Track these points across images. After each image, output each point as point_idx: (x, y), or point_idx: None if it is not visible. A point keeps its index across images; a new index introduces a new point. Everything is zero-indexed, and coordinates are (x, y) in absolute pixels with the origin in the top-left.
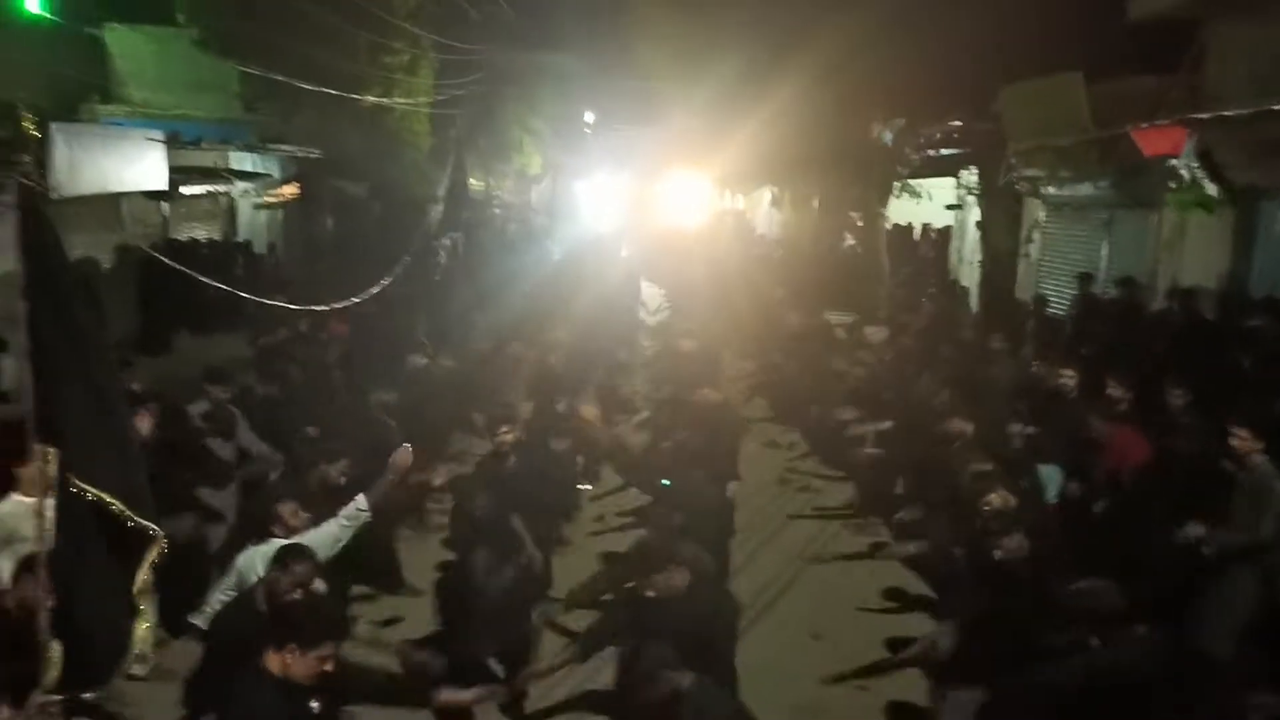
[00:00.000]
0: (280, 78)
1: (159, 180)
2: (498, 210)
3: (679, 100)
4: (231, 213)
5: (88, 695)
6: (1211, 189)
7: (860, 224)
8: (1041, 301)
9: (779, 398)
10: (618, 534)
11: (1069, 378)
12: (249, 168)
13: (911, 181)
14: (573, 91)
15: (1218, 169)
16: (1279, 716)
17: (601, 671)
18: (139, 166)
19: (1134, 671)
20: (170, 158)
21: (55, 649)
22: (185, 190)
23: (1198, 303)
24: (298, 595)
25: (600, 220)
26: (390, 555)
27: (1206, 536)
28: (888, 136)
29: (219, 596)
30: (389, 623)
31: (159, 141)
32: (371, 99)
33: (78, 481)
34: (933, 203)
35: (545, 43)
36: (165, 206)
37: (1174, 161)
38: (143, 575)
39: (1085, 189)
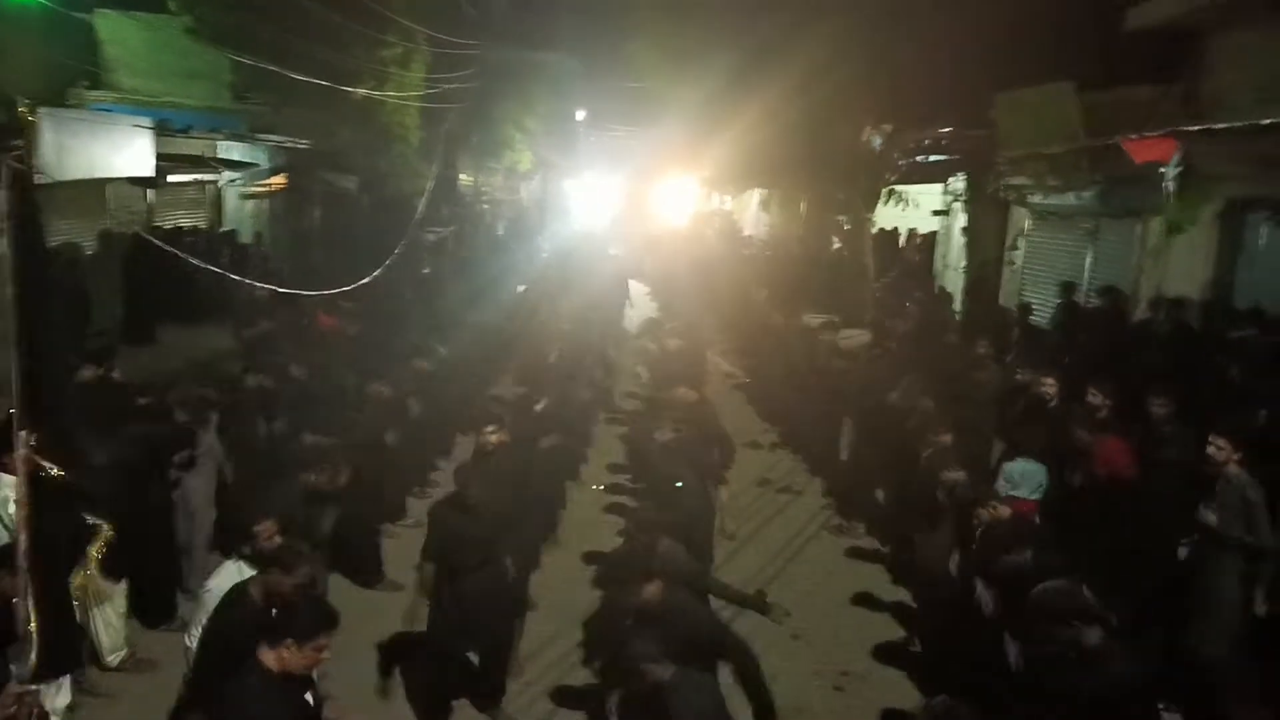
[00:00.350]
0: (271, 68)
1: (146, 167)
2: (487, 206)
3: (669, 100)
4: (218, 202)
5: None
6: (1196, 200)
7: (847, 228)
8: (1025, 309)
9: (761, 398)
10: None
11: (1049, 386)
12: (237, 157)
13: (899, 187)
14: (564, 90)
15: (1204, 181)
16: None
17: (585, 664)
18: (126, 153)
19: (1126, 677)
20: (158, 145)
21: (33, 637)
22: (172, 178)
23: (1185, 313)
24: (293, 592)
25: (590, 219)
26: (374, 549)
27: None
28: (876, 141)
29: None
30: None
31: (147, 128)
32: (363, 92)
33: (52, 467)
34: (919, 209)
35: (538, 40)
36: (150, 194)
37: (1162, 170)
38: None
39: (1071, 198)
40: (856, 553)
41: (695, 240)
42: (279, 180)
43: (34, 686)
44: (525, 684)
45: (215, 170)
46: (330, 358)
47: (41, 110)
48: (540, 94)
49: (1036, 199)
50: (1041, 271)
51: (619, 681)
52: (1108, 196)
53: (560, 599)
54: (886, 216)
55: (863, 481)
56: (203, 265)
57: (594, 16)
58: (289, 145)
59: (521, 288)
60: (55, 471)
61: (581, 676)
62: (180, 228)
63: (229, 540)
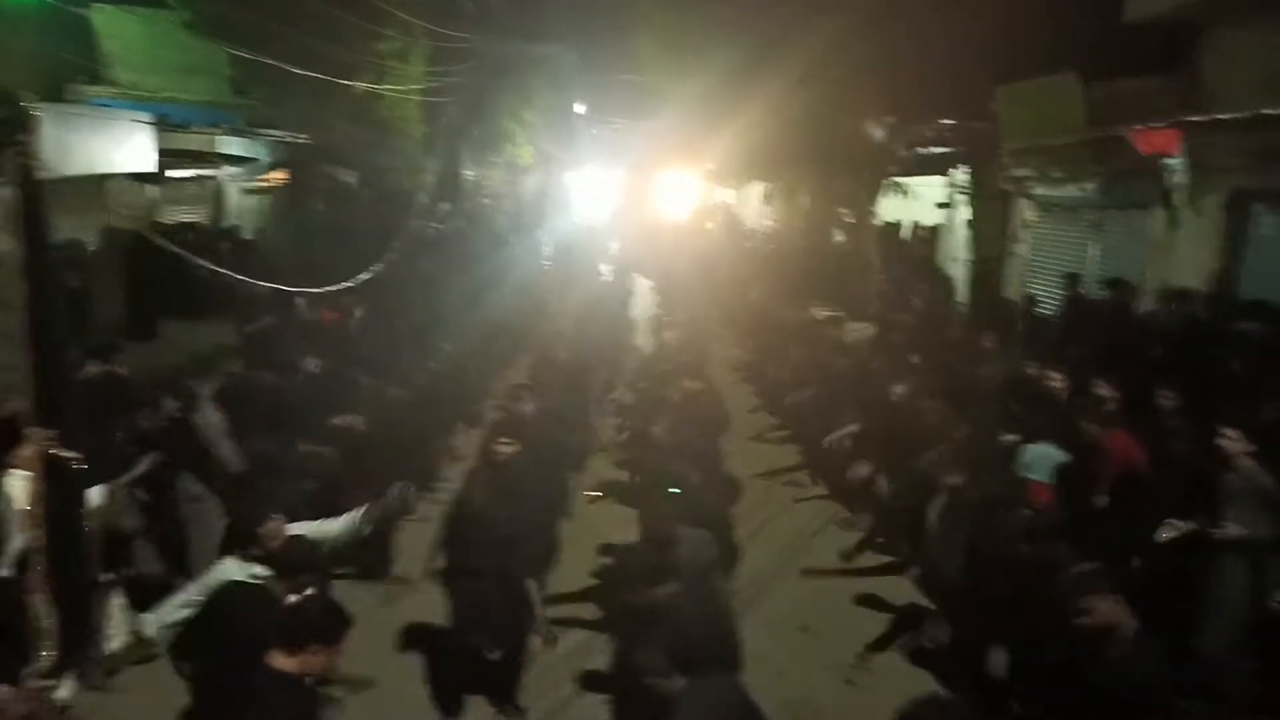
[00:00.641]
0: (270, 62)
1: (147, 163)
2: (488, 201)
3: (670, 94)
4: (219, 197)
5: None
6: (1200, 192)
7: (850, 220)
8: (1030, 301)
9: (766, 391)
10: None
11: (1056, 379)
12: (238, 152)
13: (901, 180)
14: (565, 83)
15: (1208, 172)
16: None
17: (595, 673)
18: (127, 148)
19: (1132, 672)
20: (158, 140)
21: (49, 633)
22: (172, 173)
23: (1192, 306)
24: (314, 594)
25: (591, 213)
26: (385, 543)
27: (1198, 535)
28: (879, 134)
29: (178, 605)
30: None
31: (147, 124)
32: (363, 85)
33: (75, 458)
34: (922, 201)
35: (538, 33)
36: (152, 189)
37: (1167, 162)
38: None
39: (1075, 190)
40: (864, 546)
41: (697, 234)
42: (279, 175)
43: (51, 682)
44: (538, 679)
45: (216, 165)
46: (333, 353)
47: (42, 106)
48: (539, 87)
49: (1040, 191)
50: (1046, 264)
51: (627, 693)
52: (1112, 188)
53: (572, 594)
54: (889, 209)
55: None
56: (206, 265)
57: (592, 9)
58: (289, 140)
59: (522, 283)
60: (77, 464)
61: (595, 672)
62: (182, 223)
63: (233, 536)
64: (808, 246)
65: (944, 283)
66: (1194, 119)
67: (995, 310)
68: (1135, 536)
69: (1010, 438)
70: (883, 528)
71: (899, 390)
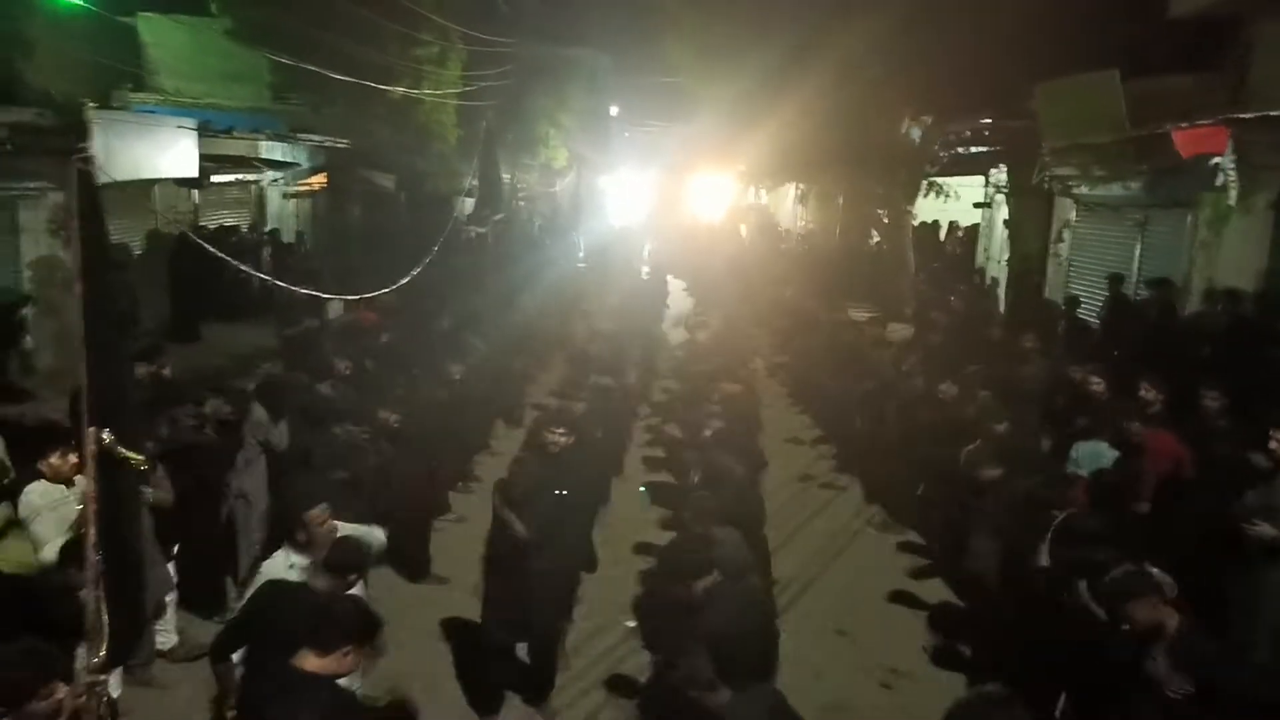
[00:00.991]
0: (310, 68)
1: (191, 168)
2: (523, 203)
3: (704, 96)
4: (260, 201)
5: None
6: (1248, 190)
7: (886, 221)
8: (1073, 302)
9: (802, 393)
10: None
11: (1098, 384)
12: (279, 157)
13: (939, 179)
14: (599, 86)
15: (1256, 170)
16: None
17: (634, 682)
18: (171, 154)
19: (1182, 670)
20: (201, 146)
21: (102, 628)
22: (215, 178)
23: (1241, 305)
24: (345, 596)
25: (625, 215)
26: (422, 543)
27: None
28: (916, 134)
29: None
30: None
31: (191, 130)
32: (401, 90)
33: (137, 458)
34: (960, 201)
35: (573, 37)
36: (195, 194)
37: (1216, 160)
38: None
39: (1119, 189)
40: (902, 549)
41: (731, 236)
42: (319, 179)
43: (103, 677)
44: (573, 678)
45: (258, 170)
46: (372, 354)
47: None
48: (574, 90)
49: (1082, 190)
50: (1088, 264)
51: (670, 705)
52: (1156, 187)
53: (607, 593)
54: (927, 209)
55: (905, 478)
56: (248, 271)
57: (627, 12)
58: (329, 145)
59: (558, 284)
60: (138, 462)
61: (629, 671)
62: (225, 227)
63: (282, 531)
64: (843, 247)
65: (983, 283)
66: (1243, 115)
67: (1035, 310)
68: (1178, 538)
69: (1047, 440)
70: (922, 527)
71: (944, 388)
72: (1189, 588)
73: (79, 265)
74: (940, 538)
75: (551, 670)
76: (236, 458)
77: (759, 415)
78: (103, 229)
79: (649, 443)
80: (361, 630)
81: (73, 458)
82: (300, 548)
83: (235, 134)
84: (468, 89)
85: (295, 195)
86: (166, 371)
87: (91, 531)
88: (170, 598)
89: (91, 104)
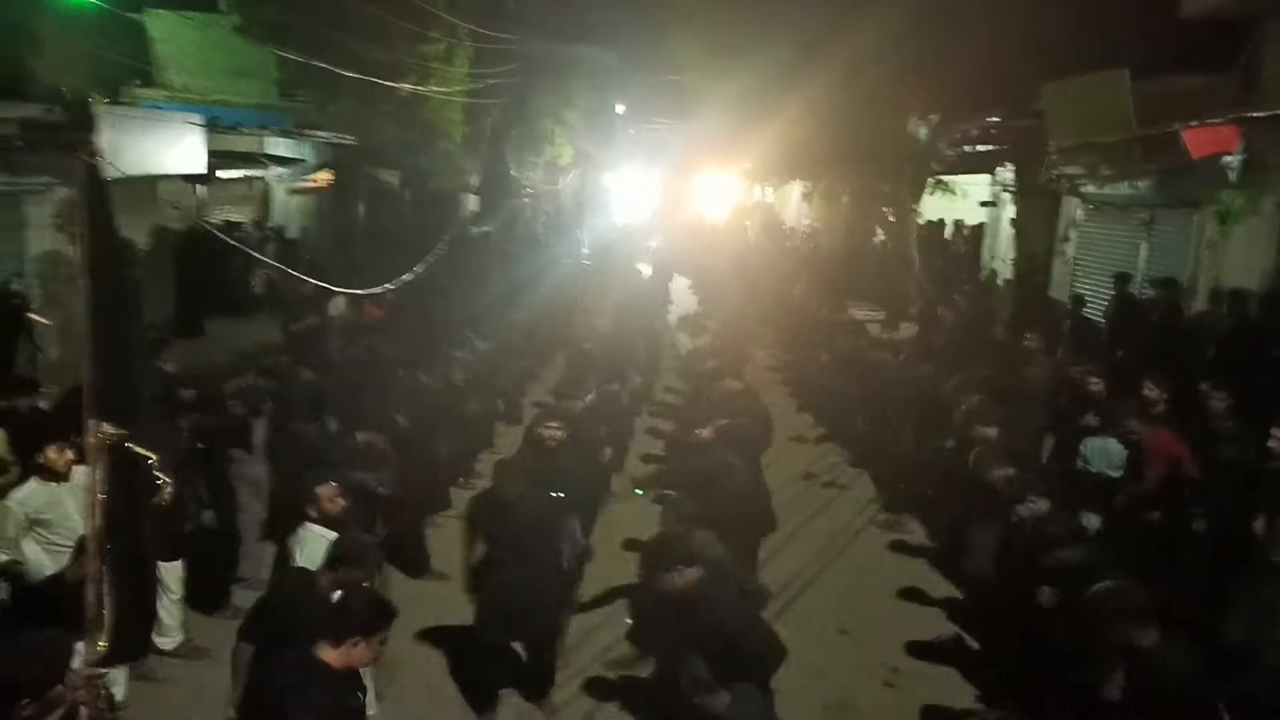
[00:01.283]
0: (317, 64)
1: (198, 164)
2: (528, 201)
3: (710, 94)
4: (266, 198)
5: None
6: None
7: (891, 219)
8: (1079, 301)
9: (806, 392)
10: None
11: (1096, 385)
12: (284, 153)
13: (945, 178)
14: (604, 83)
15: (1264, 170)
16: None
17: (635, 677)
18: (178, 149)
19: (1180, 676)
20: (208, 142)
21: (103, 622)
22: (221, 174)
23: (1246, 306)
24: (359, 587)
25: (630, 212)
26: (419, 541)
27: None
28: (923, 132)
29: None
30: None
31: (198, 125)
32: (407, 87)
33: (147, 454)
34: (966, 199)
35: (578, 34)
36: (201, 190)
37: (1226, 160)
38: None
39: (1125, 188)
40: (904, 547)
41: (735, 234)
42: (325, 176)
43: (103, 670)
44: (571, 675)
45: (264, 166)
46: (375, 350)
47: (105, 109)
48: (579, 88)
49: (1089, 189)
50: (1094, 263)
51: (673, 708)
52: (1163, 186)
53: (604, 591)
54: (932, 208)
55: (911, 476)
56: (264, 260)
57: (633, 9)
58: (334, 141)
59: (562, 281)
60: (150, 458)
61: (626, 668)
62: (229, 223)
63: (277, 530)
64: (848, 245)
65: (988, 281)
66: (1254, 115)
67: (1041, 309)
68: (1180, 537)
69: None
70: (925, 526)
71: (948, 386)
72: (1189, 589)
73: (85, 260)
74: (943, 537)
75: (551, 667)
76: (239, 454)
77: (763, 409)
78: (110, 224)
79: (649, 442)
80: (374, 622)
81: (69, 453)
82: (320, 523)
83: (242, 130)
84: (474, 86)
85: (300, 192)
86: (169, 367)
87: (95, 524)
88: (176, 596)
89: (100, 99)
